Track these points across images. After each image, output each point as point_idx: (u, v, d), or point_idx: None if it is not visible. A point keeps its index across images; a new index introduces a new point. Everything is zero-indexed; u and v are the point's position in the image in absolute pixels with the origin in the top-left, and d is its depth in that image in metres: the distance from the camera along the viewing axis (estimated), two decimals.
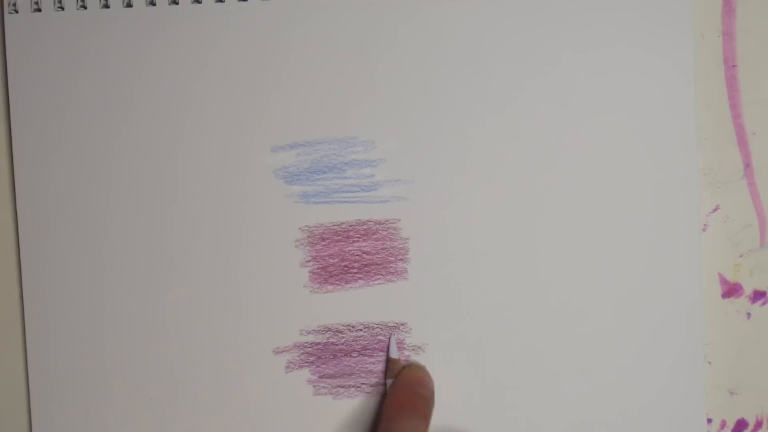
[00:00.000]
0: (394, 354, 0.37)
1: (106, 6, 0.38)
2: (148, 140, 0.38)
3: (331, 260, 0.38)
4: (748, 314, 0.38)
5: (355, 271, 0.38)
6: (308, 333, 0.38)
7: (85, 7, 0.38)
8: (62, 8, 0.38)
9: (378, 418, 0.37)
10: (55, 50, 0.38)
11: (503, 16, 0.37)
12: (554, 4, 0.37)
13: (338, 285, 0.38)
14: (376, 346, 0.38)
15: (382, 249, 0.38)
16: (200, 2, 0.37)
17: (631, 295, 0.37)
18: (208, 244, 0.38)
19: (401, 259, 0.38)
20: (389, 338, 0.37)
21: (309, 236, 0.38)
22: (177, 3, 0.38)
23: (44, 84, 0.38)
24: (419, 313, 0.37)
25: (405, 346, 0.38)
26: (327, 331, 0.38)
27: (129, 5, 0.38)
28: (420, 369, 0.37)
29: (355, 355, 0.38)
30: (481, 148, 0.37)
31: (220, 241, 0.38)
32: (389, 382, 0.37)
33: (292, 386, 0.38)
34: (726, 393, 0.38)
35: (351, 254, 0.38)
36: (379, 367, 0.38)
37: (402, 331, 0.38)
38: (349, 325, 0.38)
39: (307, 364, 0.38)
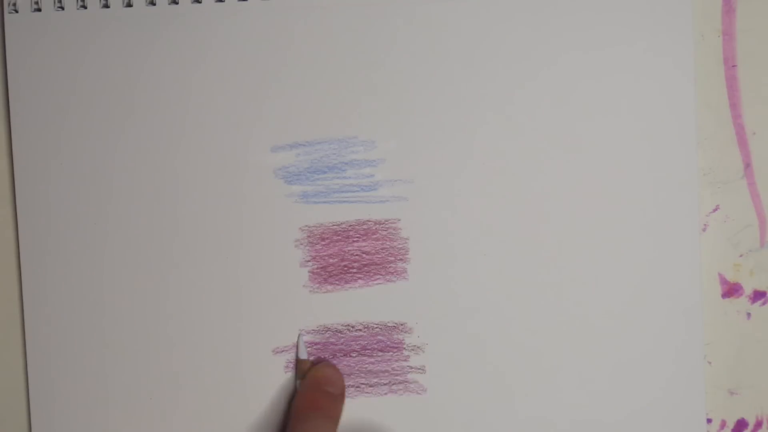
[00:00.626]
0: (303, 354, 0.37)
1: (106, 6, 0.38)
2: (148, 140, 0.38)
3: (331, 260, 0.38)
4: (748, 314, 0.38)
5: (354, 271, 0.38)
6: (308, 333, 0.38)
7: (85, 7, 0.38)
8: (62, 8, 0.38)
9: (287, 419, 0.37)
10: (55, 50, 0.38)
11: (503, 16, 0.37)
12: (554, 4, 0.37)
13: (338, 285, 0.38)
14: (376, 346, 0.38)
15: (382, 249, 0.38)
16: (200, 2, 0.37)
17: (631, 295, 0.37)
18: (208, 244, 0.38)
19: (401, 259, 0.37)
20: (297, 338, 0.37)
21: (309, 236, 0.38)
22: (177, 3, 0.38)
23: (44, 84, 0.38)
24: (419, 313, 0.37)
25: (405, 346, 0.38)
26: (326, 330, 0.38)
27: (129, 5, 0.38)
28: (328, 367, 0.37)
29: (354, 355, 0.38)
30: (481, 148, 0.37)
31: (220, 241, 0.38)
32: (299, 382, 0.37)
33: (292, 386, 0.38)
34: (726, 393, 0.38)
35: (351, 254, 0.38)
36: (379, 367, 0.38)
37: (402, 331, 0.38)
38: (348, 325, 0.38)
39: None
